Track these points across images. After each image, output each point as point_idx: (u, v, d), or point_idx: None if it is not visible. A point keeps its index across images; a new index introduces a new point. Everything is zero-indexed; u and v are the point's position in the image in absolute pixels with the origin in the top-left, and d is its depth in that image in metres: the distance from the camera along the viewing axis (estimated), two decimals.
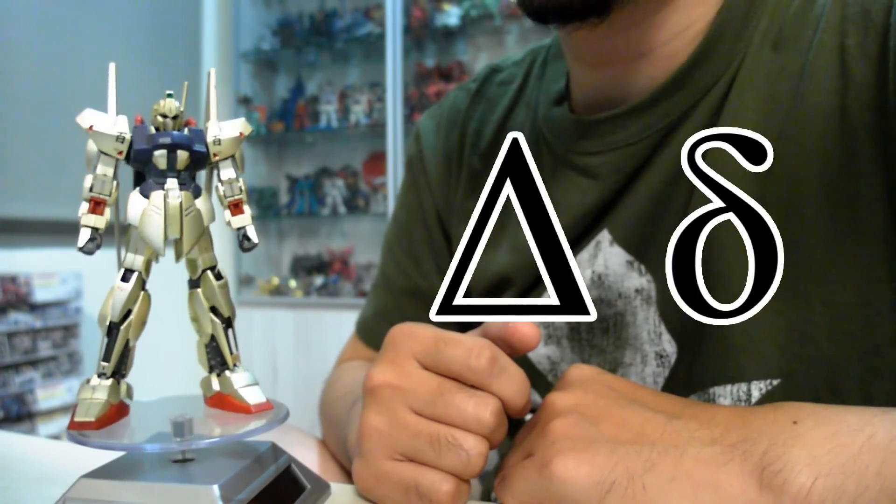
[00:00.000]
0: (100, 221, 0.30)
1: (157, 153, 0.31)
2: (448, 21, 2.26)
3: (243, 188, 0.34)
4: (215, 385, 0.34)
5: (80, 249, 0.30)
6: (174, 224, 0.31)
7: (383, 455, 0.34)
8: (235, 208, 0.34)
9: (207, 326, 0.34)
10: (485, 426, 0.32)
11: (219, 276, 0.33)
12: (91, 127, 0.30)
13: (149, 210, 0.31)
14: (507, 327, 0.34)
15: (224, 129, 0.33)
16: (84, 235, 0.30)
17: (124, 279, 0.31)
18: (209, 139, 0.33)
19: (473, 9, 2.24)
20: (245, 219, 0.33)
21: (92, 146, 0.31)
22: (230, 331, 0.34)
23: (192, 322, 0.34)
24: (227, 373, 0.34)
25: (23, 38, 1.83)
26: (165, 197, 0.31)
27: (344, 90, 2.47)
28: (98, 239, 0.30)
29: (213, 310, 0.33)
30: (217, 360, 0.34)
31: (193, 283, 0.34)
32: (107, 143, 0.30)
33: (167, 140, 0.31)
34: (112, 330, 0.31)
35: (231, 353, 0.34)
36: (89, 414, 0.30)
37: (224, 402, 0.34)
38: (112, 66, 0.32)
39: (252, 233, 0.33)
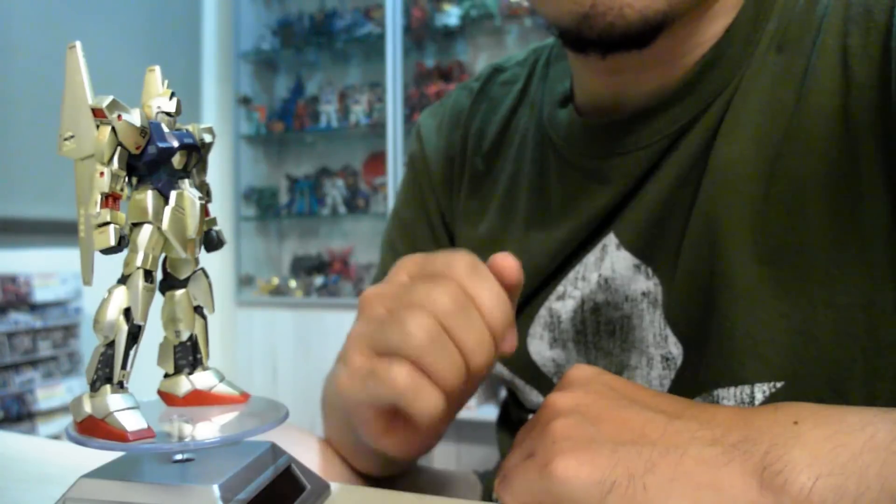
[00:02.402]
0: (122, 218, 0.29)
1: (179, 152, 0.31)
2: (448, 21, 2.26)
3: (210, 191, 0.34)
4: (188, 384, 0.33)
5: (109, 251, 0.28)
6: (198, 224, 0.31)
7: (357, 352, 0.35)
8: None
9: (190, 326, 0.33)
10: (439, 307, 0.32)
11: (206, 275, 0.33)
12: (120, 116, 0.29)
13: (175, 210, 0.30)
14: (490, 261, 0.36)
15: (203, 133, 0.33)
16: (114, 233, 0.28)
17: (148, 279, 0.30)
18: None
19: (473, 9, 2.24)
20: (213, 220, 0.34)
21: (111, 138, 0.29)
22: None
23: (168, 323, 0.33)
24: (201, 369, 0.34)
25: (23, 38, 1.83)
26: (188, 197, 0.31)
27: (344, 90, 2.47)
28: (127, 237, 0.29)
29: (197, 309, 0.33)
30: (189, 359, 0.34)
31: (174, 284, 0.33)
32: (130, 136, 0.29)
33: (190, 140, 0.31)
34: (130, 334, 0.30)
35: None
36: (140, 423, 0.29)
37: (207, 398, 0.33)
38: (78, 45, 0.29)
39: (222, 234, 0.34)
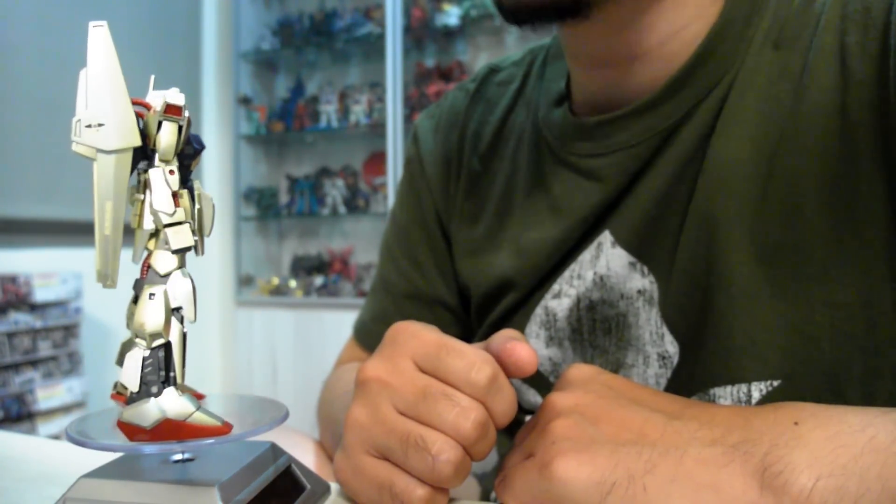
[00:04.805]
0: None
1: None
2: (448, 21, 2.26)
3: None
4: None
5: (184, 250, 0.29)
6: (212, 224, 0.31)
7: (361, 449, 0.33)
8: None
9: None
10: (463, 436, 0.31)
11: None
12: (189, 116, 0.29)
13: (199, 210, 0.31)
14: (505, 347, 0.33)
15: None
16: (191, 232, 0.29)
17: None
18: None
19: (473, 9, 2.24)
20: None
21: (179, 137, 0.28)
22: None
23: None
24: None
25: (23, 38, 1.83)
26: (207, 197, 0.31)
27: (344, 90, 2.47)
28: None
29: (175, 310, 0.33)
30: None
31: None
32: (185, 136, 0.29)
33: (203, 143, 0.31)
34: (182, 334, 0.29)
35: None
36: (217, 418, 0.29)
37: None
38: (105, 25, 0.28)
39: None
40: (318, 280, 2.47)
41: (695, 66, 0.43)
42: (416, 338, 0.34)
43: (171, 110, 0.28)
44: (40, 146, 1.80)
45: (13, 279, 1.65)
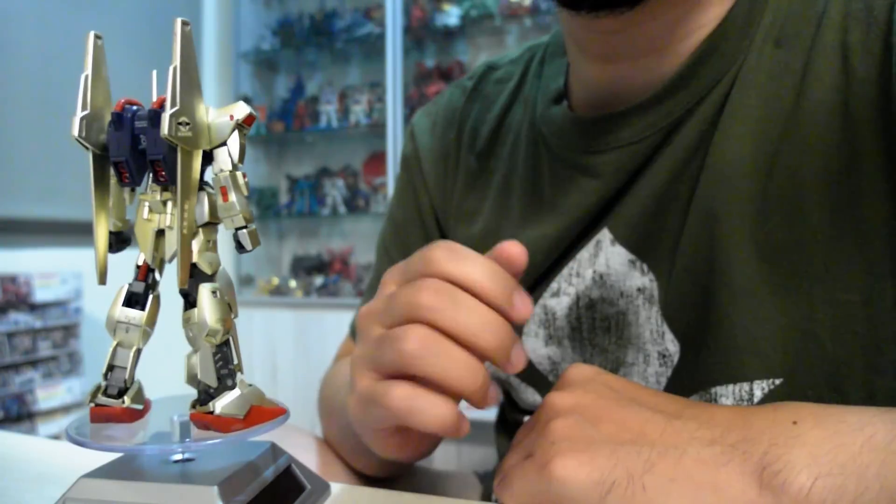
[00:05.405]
0: None
1: None
2: (448, 21, 2.26)
3: None
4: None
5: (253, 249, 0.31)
6: None
7: (361, 376, 0.34)
8: None
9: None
10: (424, 308, 0.31)
11: None
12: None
13: None
14: (495, 251, 0.34)
15: None
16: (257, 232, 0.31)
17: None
18: None
19: (473, 9, 2.24)
20: None
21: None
22: None
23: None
24: None
25: (23, 38, 1.82)
26: None
27: (344, 90, 2.47)
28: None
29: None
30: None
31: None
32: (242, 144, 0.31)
33: None
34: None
35: None
36: (273, 402, 0.32)
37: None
38: (190, 25, 0.28)
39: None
40: (318, 280, 2.46)
41: (697, 64, 0.43)
42: (393, 268, 0.37)
43: (247, 121, 0.31)
44: (40, 146, 1.80)
45: (13, 279, 1.65)
